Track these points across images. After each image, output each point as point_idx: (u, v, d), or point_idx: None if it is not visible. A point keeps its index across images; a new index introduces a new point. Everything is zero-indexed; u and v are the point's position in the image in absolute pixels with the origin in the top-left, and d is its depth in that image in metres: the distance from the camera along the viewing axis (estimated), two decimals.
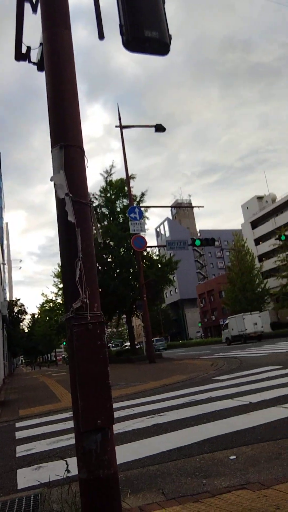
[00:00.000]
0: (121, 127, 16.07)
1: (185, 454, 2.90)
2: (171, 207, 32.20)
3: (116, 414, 4.77)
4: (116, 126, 16.14)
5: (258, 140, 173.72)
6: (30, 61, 2.82)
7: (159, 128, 15.53)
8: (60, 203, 1.85)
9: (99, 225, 22.13)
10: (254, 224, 58.15)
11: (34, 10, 2.71)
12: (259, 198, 61.18)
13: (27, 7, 2.84)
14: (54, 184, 1.88)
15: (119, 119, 16.27)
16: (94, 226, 1.96)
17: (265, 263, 48.79)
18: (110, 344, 53.55)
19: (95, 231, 2.01)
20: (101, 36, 2.52)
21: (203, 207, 26.63)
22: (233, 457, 2.70)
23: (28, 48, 2.83)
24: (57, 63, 2.06)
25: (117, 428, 4.00)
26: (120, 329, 68.00)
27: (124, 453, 3.03)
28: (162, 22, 2.65)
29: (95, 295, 1.78)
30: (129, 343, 26.60)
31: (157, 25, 2.61)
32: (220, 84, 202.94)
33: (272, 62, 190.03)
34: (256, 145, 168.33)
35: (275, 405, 4.14)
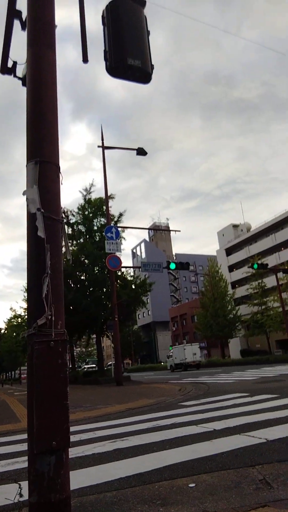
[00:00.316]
0: (103, 147, 16.29)
1: (144, 480, 2.83)
2: (149, 229, 32.58)
3: (78, 437, 4.66)
4: (99, 146, 16.35)
5: (236, 171, 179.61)
6: (15, 76, 2.86)
7: (141, 151, 15.82)
8: (31, 218, 1.85)
9: (75, 242, 22.03)
10: (229, 251, 59.34)
11: (23, 27, 2.77)
12: (235, 226, 62.74)
13: (17, 23, 2.90)
14: (27, 198, 1.88)
15: (102, 139, 16.51)
16: (64, 242, 1.96)
17: (238, 290, 49.61)
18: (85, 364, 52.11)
19: (65, 248, 2.01)
20: (85, 59, 2.60)
21: (179, 231, 27.22)
22: (192, 484, 2.66)
23: (14, 63, 2.88)
24: (38, 81, 2.10)
25: (77, 451, 3.87)
26: (90, 349, 66.71)
27: (82, 478, 2.93)
28: (145, 52, 2.77)
29: (60, 313, 1.76)
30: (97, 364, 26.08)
31: (140, 54, 2.72)
32: (202, 115, 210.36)
33: (253, 98, 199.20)
34: (234, 175, 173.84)
35: (238, 433, 4.14)
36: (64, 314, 1.80)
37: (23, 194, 1.88)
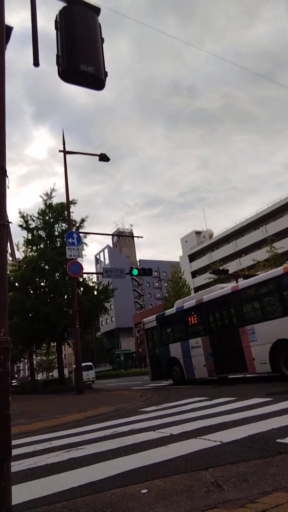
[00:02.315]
0: (65, 152, 16.11)
1: (97, 489, 2.79)
2: (111, 235, 32.58)
3: (32, 448, 4.53)
4: (60, 151, 16.15)
5: (198, 179, 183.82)
6: None
7: (103, 157, 15.81)
8: None
9: (34, 247, 21.54)
10: (192, 257, 60.41)
11: None
12: (198, 233, 64.02)
13: None
14: None
15: (64, 144, 16.33)
16: (10, 247, 1.92)
17: None
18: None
19: (10, 253, 1.96)
20: (36, 63, 2.57)
21: (142, 237, 27.30)
22: (144, 490, 2.66)
23: None
24: None
25: (30, 462, 3.76)
26: (50, 357, 65.16)
27: (32, 490, 2.84)
28: (98, 58, 2.78)
29: (3, 320, 1.71)
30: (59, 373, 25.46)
31: (94, 61, 2.73)
32: (165, 124, 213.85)
33: (214, 109, 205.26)
34: (196, 183, 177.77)
35: (195, 436, 4.18)
36: (7, 321, 1.75)
37: None
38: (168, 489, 2.64)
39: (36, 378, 28.32)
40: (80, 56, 2.60)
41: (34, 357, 31.04)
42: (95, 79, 2.64)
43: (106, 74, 2.80)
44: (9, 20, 2.56)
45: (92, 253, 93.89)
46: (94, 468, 3.38)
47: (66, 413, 8.22)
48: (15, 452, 4.24)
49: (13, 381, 44.55)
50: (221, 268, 31.73)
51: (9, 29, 3.06)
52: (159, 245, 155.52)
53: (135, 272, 16.77)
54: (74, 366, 17.23)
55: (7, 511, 1.51)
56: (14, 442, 4.91)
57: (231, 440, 3.78)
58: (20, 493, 2.74)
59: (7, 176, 1.97)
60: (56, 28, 2.77)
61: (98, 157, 15.86)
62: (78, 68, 2.55)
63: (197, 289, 53.54)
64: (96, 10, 2.94)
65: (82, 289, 20.67)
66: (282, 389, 7.48)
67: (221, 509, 2.18)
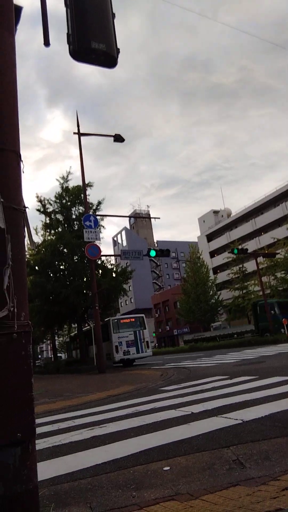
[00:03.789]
0: (79, 134, 15.98)
1: (120, 466, 2.87)
2: (128, 216, 32.56)
3: (56, 426, 4.67)
4: (75, 133, 16.03)
5: (215, 157, 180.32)
6: None
7: (118, 138, 15.62)
8: None
9: (53, 231, 21.74)
10: (210, 237, 59.88)
11: None
12: (215, 212, 63.21)
13: None
14: None
15: (78, 126, 16.18)
16: (27, 232, 1.92)
17: (219, 275, 50.27)
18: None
19: (28, 238, 1.97)
20: (46, 43, 2.51)
21: (159, 218, 27.23)
22: (166, 468, 2.71)
23: None
24: None
25: (54, 441, 3.88)
26: None
27: (57, 467, 2.94)
28: (110, 35, 2.69)
29: (23, 304, 1.73)
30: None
31: (105, 37, 2.64)
32: (180, 101, 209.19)
33: (231, 84, 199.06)
34: (213, 162, 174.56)
35: (216, 415, 4.21)
36: (27, 305, 1.77)
37: None
38: (190, 467, 2.68)
39: (58, 358, 29.16)
40: (91, 34, 2.52)
41: (56, 338, 31.80)
42: (107, 56, 2.56)
43: (118, 51, 2.71)
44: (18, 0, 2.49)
45: (109, 235, 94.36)
46: (116, 445, 3.46)
47: (89, 392, 8.44)
48: (39, 430, 4.39)
49: (37, 361, 45.98)
50: (239, 247, 31.35)
51: (18, 9, 2.99)
52: (176, 225, 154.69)
53: (152, 253, 16.77)
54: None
55: (33, 487, 1.57)
56: (38, 421, 5.09)
57: (252, 419, 3.80)
58: (46, 470, 2.84)
59: (21, 161, 1.95)
60: (65, 5, 2.69)
61: (113, 138, 15.69)
62: (90, 46, 2.48)
63: (215, 269, 53.29)
64: None
65: (100, 271, 20.86)
66: None
67: (243, 486, 2.20)
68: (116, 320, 19.56)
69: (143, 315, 20.44)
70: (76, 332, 27.90)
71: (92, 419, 4.98)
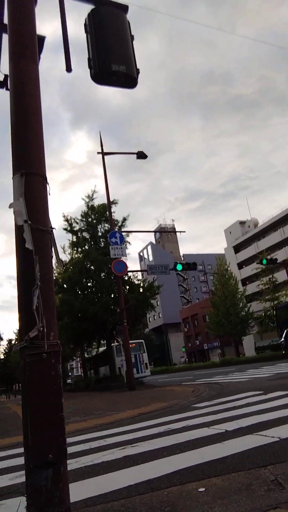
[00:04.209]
0: (103, 153, 16.34)
1: (153, 487, 2.80)
2: (154, 231, 32.58)
3: (88, 446, 4.65)
4: (98, 153, 16.41)
5: (238, 168, 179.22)
6: (7, 89, 2.89)
7: (141, 155, 15.85)
8: (18, 230, 1.85)
9: (80, 249, 22.09)
10: (237, 248, 59.05)
11: None
12: (242, 223, 62.46)
13: (5, 36, 2.93)
14: (14, 211, 1.88)
15: (101, 145, 16.57)
16: (54, 253, 1.96)
17: (249, 286, 49.24)
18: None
19: (55, 259, 2.01)
20: (68, 68, 2.60)
21: (184, 231, 27.49)
22: (202, 489, 2.62)
23: (6, 76, 2.90)
24: (21, 92, 2.11)
25: (86, 460, 3.86)
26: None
27: (89, 488, 2.91)
28: (129, 56, 2.77)
29: (52, 324, 1.75)
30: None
31: (125, 59, 2.72)
32: (201, 115, 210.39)
33: (251, 94, 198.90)
34: (237, 172, 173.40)
35: (251, 433, 4.07)
36: (56, 325, 1.80)
37: (9, 207, 1.88)
38: (226, 488, 2.59)
39: (88, 375, 29.22)
40: (111, 57, 2.60)
41: (85, 355, 31.94)
42: (127, 77, 2.63)
43: (138, 71, 2.78)
44: (41, 30, 2.61)
45: (135, 251, 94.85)
46: (149, 465, 3.40)
47: (119, 410, 8.37)
48: (71, 449, 4.37)
49: (67, 380, 46.23)
50: (268, 257, 30.70)
51: (41, 39, 3.13)
52: (202, 238, 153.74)
53: (179, 267, 16.70)
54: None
55: (66, 510, 1.55)
56: (69, 440, 5.07)
57: None
58: (78, 491, 2.81)
59: (47, 184, 2.01)
60: (86, 31, 2.79)
61: (135, 155, 15.93)
62: (110, 69, 2.55)
63: (244, 281, 52.29)
64: (124, 8, 2.92)
65: (128, 287, 20.93)
66: None
67: (284, 509, 2.10)
68: (118, 346, 21.88)
69: (142, 340, 23.39)
70: (91, 355, 30.45)
71: (123, 438, 4.92)
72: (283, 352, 22.88)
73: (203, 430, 4.60)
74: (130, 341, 21.63)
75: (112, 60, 2.68)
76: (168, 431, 4.90)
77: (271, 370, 14.13)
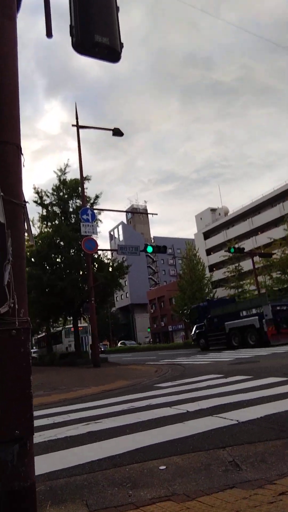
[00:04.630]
0: (78, 126, 15.84)
1: (116, 463, 2.85)
2: (126, 211, 32.31)
3: (51, 420, 4.65)
4: (73, 125, 15.89)
5: (213, 155, 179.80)
6: None
7: (117, 132, 15.52)
8: None
9: (50, 223, 21.62)
10: (207, 234, 59.91)
11: None
12: (213, 210, 63.22)
13: None
14: None
15: (76, 118, 16.03)
16: (27, 228, 1.87)
17: (215, 273, 50.35)
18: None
19: (27, 234, 1.93)
20: (49, 34, 2.44)
21: (156, 214, 27.60)
22: (163, 467, 2.69)
23: None
24: None
25: (50, 435, 3.87)
26: None
27: (53, 462, 2.92)
28: (114, 29, 2.63)
29: (22, 300, 1.69)
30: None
31: (109, 31, 2.58)
32: (180, 97, 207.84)
33: (231, 82, 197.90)
34: (211, 159, 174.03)
35: (211, 414, 4.20)
36: (27, 301, 1.74)
37: None
38: (186, 467, 2.67)
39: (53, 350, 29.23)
40: (95, 26, 2.45)
41: (51, 330, 31.81)
42: (110, 50, 2.50)
43: (122, 45, 2.65)
44: None
45: (106, 230, 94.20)
46: (112, 442, 3.45)
47: (84, 386, 8.43)
48: (35, 423, 4.36)
49: (32, 354, 45.82)
50: (236, 246, 31.37)
51: None
52: (173, 222, 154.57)
53: (149, 249, 16.74)
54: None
55: (31, 485, 1.56)
56: (34, 414, 5.06)
57: (248, 419, 3.78)
58: (41, 465, 2.81)
59: (22, 154, 1.90)
60: None
61: (111, 131, 15.58)
62: (93, 39, 2.41)
63: (211, 267, 53.36)
64: None
65: (97, 265, 20.81)
66: None
67: (240, 489, 2.19)
68: (67, 329, 26.35)
69: (87, 324, 24.91)
70: (43, 334, 33.68)
71: (87, 413, 4.97)
72: (193, 343, 27.20)
73: (166, 410, 4.71)
74: (79, 325, 23.37)
75: (95, 31, 2.53)
76: (132, 409, 4.99)
77: (232, 355, 14.62)
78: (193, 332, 24.49)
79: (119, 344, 55.83)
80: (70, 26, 2.54)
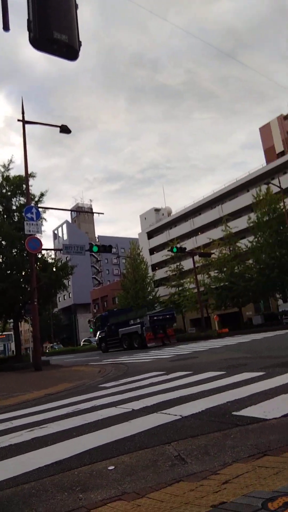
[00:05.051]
0: (24, 121, 15.28)
1: (64, 468, 2.83)
2: (71, 210, 31.79)
3: None
4: (19, 120, 15.29)
5: (158, 156, 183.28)
6: None
7: (64, 129, 15.21)
8: None
9: None
10: (150, 234, 60.77)
11: None
12: (157, 210, 64.30)
13: None
14: None
15: (23, 112, 15.45)
16: None
17: (158, 272, 51.28)
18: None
19: None
20: (6, 27, 2.38)
21: (103, 213, 27.56)
22: (111, 467, 2.73)
23: None
24: None
25: None
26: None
27: None
28: (73, 26, 2.62)
29: None
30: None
31: (68, 29, 2.57)
32: (127, 97, 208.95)
33: (177, 85, 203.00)
34: (156, 160, 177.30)
35: (155, 411, 4.31)
36: None
37: None
38: (134, 465, 2.73)
39: None
40: (54, 23, 2.43)
41: None
42: (69, 48, 2.49)
43: (80, 43, 2.64)
44: None
45: (49, 228, 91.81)
46: (59, 446, 3.41)
47: (26, 390, 8.18)
48: None
49: None
50: (178, 245, 32.25)
51: None
52: (118, 221, 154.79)
53: (95, 249, 16.64)
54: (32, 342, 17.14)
55: None
56: None
57: (190, 414, 3.94)
58: None
59: None
60: None
61: (59, 128, 15.24)
62: (52, 36, 2.39)
63: (154, 266, 54.22)
64: None
65: (41, 265, 20.23)
66: (233, 363, 7.88)
67: (186, 482, 2.29)
68: None
69: (11, 333, 25.94)
70: None
71: (31, 419, 4.85)
72: (96, 346, 30.90)
73: (111, 410, 4.75)
74: (1, 333, 23.34)
75: (54, 27, 2.51)
76: (77, 412, 4.96)
77: (172, 352, 15.03)
78: (96, 337, 28.94)
79: (82, 343, 55.22)
80: (28, 20, 2.48)
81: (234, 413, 3.76)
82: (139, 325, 21.88)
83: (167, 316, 23.05)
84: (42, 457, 3.14)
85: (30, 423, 4.61)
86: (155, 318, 22.13)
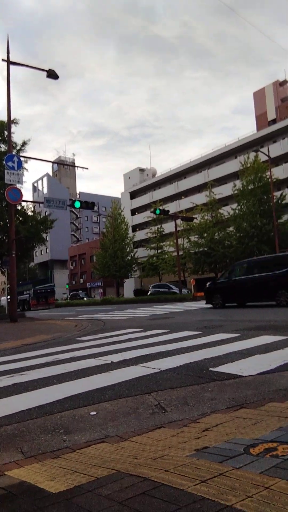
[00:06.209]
0: (9, 62, 14.23)
1: (46, 412, 2.89)
2: (54, 162, 30.75)
3: None
4: (3, 60, 14.22)
5: (145, 114, 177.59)
6: None
7: (52, 74, 14.33)
8: None
9: None
10: (133, 194, 59.99)
11: None
12: (141, 170, 63.12)
13: None
14: None
15: (8, 52, 14.33)
16: None
17: (138, 233, 51.19)
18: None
19: None
20: None
21: (87, 168, 27.25)
22: (93, 412, 2.80)
23: None
24: None
25: None
26: None
27: None
28: None
29: None
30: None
31: None
32: (117, 46, 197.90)
33: (170, 38, 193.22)
34: (144, 118, 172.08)
35: (134, 364, 4.42)
36: None
37: None
38: (115, 411, 2.81)
39: None
40: None
41: None
42: None
43: None
44: None
45: (29, 181, 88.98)
46: (40, 392, 3.47)
47: (2, 340, 8.21)
48: None
49: None
50: (161, 208, 32.07)
51: None
52: (101, 178, 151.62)
53: (77, 204, 16.29)
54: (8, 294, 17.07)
55: None
56: None
57: (169, 368, 4.06)
58: None
59: None
60: None
61: (45, 73, 14.35)
62: None
63: (134, 227, 54.02)
64: None
65: (20, 218, 19.75)
66: (209, 324, 8.11)
67: (167, 428, 2.38)
68: None
69: None
70: None
71: (10, 366, 4.88)
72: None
73: (90, 361, 4.83)
74: None
75: None
76: (56, 361, 5.02)
77: (148, 311, 15.35)
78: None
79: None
80: None
81: (211, 369, 3.89)
82: (28, 295, 33.04)
83: (48, 290, 33.93)
84: (23, 401, 3.19)
85: (10, 369, 4.65)
86: (38, 291, 33.08)
